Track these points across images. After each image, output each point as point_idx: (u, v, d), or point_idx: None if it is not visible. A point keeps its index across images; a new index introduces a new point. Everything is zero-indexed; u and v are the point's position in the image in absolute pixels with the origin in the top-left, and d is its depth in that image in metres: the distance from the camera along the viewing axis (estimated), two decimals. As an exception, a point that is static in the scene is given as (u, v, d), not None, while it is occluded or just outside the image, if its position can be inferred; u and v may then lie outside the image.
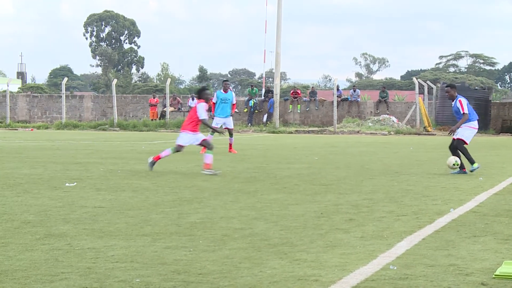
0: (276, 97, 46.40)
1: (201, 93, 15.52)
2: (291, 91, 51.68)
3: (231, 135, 22.65)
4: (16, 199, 10.64)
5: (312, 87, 59.39)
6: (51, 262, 6.37)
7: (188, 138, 15.29)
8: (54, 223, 8.52)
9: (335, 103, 45.58)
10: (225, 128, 22.32)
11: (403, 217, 9.29)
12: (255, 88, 51.60)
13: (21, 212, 9.35)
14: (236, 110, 38.33)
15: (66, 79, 50.90)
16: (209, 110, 18.38)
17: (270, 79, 78.32)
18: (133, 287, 5.57)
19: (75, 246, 7.12)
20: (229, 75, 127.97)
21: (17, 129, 45.80)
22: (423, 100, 45.34)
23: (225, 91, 22.50)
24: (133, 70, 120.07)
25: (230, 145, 22.66)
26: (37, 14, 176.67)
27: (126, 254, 6.76)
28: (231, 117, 22.59)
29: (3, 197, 10.87)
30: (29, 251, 6.85)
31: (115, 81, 50.71)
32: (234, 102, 22.69)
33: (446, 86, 16.28)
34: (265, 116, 47.28)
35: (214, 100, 22.36)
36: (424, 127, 43.38)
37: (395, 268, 6.22)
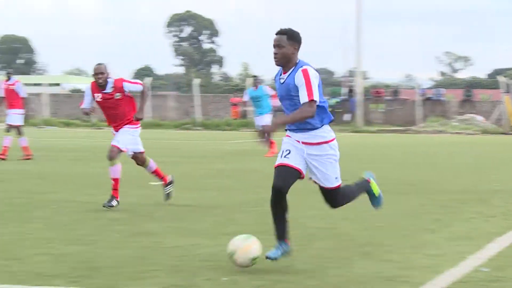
0: (358, 97, 46.05)
1: None
2: (373, 90, 51.25)
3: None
4: (104, 198, 10.81)
5: (395, 86, 58.74)
6: (139, 260, 6.44)
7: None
8: (141, 221, 8.63)
9: (418, 102, 44.97)
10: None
11: (492, 219, 9.08)
12: (336, 88, 51.38)
13: (109, 210, 9.51)
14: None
15: (150, 79, 51.58)
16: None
17: (351, 78, 77.77)
18: (220, 286, 5.58)
19: (162, 244, 7.19)
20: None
21: (102, 129, 46.67)
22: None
23: (255, 87, 20.49)
24: (214, 69, 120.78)
25: None
26: (118, 15, 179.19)
27: (213, 252, 6.78)
28: (265, 116, 19.88)
29: (91, 196, 11.08)
30: (117, 249, 6.94)
31: (197, 80, 51.08)
32: (270, 94, 20.15)
33: None
34: (348, 115, 46.97)
35: (245, 99, 21.20)
36: (511, 127, 42.37)
37: (488, 270, 6.07)
